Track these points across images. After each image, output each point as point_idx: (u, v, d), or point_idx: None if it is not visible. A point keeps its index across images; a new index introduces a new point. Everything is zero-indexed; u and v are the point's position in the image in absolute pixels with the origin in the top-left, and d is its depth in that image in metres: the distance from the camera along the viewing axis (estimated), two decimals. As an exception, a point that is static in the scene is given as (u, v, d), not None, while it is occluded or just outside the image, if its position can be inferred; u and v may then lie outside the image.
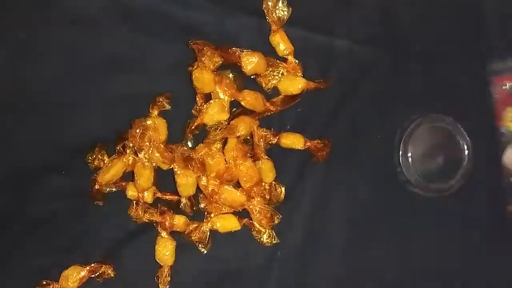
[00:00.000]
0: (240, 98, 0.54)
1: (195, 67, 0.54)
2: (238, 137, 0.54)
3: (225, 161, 0.54)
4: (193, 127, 0.54)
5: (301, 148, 0.55)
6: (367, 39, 0.59)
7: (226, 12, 0.56)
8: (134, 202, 0.53)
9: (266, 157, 0.55)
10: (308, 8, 0.58)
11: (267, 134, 0.55)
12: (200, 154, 0.53)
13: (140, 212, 0.53)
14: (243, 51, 0.54)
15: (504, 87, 0.59)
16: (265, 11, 0.55)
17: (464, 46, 0.61)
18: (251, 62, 0.54)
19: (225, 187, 0.53)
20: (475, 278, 0.58)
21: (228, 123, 0.54)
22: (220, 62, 0.53)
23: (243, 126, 0.54)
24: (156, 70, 0.55)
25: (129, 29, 0.54)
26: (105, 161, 0.53)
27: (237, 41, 0.55)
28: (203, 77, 0.53)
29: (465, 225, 0.60)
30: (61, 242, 0.53)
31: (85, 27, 0.53)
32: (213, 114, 0.54)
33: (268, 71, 0.55)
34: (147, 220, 0.53)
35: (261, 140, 0.54)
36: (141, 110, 0.54)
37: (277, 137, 0.55)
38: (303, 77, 0.57)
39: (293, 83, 0.56)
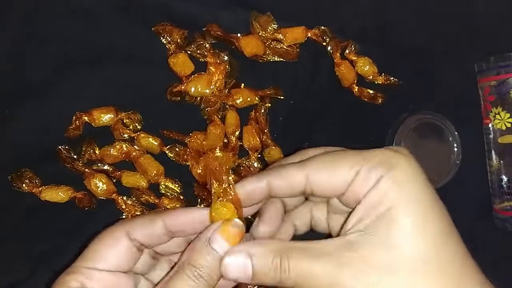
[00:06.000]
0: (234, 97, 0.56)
1: (169, 53, 0.55)
2: (236, 108, 0.56)
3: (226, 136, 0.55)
4: (173, 90, 0.54)
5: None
6: (359, 35, 0.59)
7: (221, 5, 0.56)
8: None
9: (274, 143, 0.57)
10: (301, 3, 0.59)
11: None
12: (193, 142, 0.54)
13: (145, 197, 0.54)
14: (240, 35, 0.56)
15: (488, 86, 0.60)
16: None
17: (453, 44, 0.62)
18: (249, 44, 0.55)
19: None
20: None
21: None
22: (185, 35, 0.54)
23: (241, 95, 0.56)
24: (154, 61, 0.55)
25: (128, 21, 0.55)
26: (97, 153, 0.53)
27: (232, 33, 0.56)
28: (178, 60, 0.54)
29: (453, 219, 0.60)
30: (60, 227, 0.53)
31: (82, 19, 0.54)
32: (198, 85, 0.54)
33: (267, 52, 0.57)
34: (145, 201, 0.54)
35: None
36: (139, 100, 0.55)
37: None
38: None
39: (297, 31, 0.57)
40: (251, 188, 0.35)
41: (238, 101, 0.56)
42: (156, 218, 0.36)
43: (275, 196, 0.36)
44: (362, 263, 0.30)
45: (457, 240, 0.32)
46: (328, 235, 0.37)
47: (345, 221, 0.33)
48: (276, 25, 0.56)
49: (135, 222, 0.36)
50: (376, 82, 0.60)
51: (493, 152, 0.61)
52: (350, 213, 0.33)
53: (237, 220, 0.35)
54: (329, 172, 0.33)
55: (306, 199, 0.40)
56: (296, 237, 0.41)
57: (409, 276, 0.30)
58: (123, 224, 0.36)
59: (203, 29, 0.55)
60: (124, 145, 0.54)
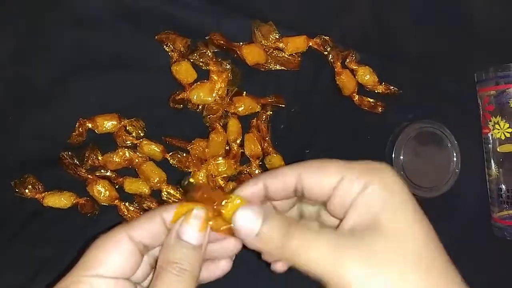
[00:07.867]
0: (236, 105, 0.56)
1: (172, 61, 0.55)
2: (238, 116, 0.56)
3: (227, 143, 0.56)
4: (176, 98, 0.55)
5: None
6: (360, 45, 0.60)
7: (224, 13, 0.57)
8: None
9: (275, 151, 0.57)
10: (303, 13, 0.59)
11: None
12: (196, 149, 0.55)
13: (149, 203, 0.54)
14: (242, 44, 0.56)
15: (487, 96, 0.61)
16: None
17: (453, 53, 0.63)
18: (251, 52, 0.56)
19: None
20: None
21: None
22: (188, 43, 0.55)
23: (243, 103, 0.56)
24: (157, 69, 0.55)
25: (132, 29, 0.55)
26: (100, 159, 0.54)
27: (235, 42, 0.56)
28: (181, 68, 0.55)
29: (452, 227, 0.61)
30: (62, 233, 0.53)
31: (87, 27, 0.54)
32: (201, 92, 0.55)
33: (269, 61, 0.57)
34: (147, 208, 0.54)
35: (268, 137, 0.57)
36: (142, 107, 0.55)
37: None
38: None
39: (298, 40, 0.58)
40: (249, 190, 0.37)
41: (240, 109, 0.56)
42: (155, 214, 0.36)
43: (271, 197, 0.37)
44: (366, 250, 0.32)
45: (439, 242, 0.34)
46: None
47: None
48: (278, 34, 0.57)
49: (134, 222, 0.36)
50: (376, 91, 0.60)
51: (492, 161, 0.61)
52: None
53: (197, 208, 0.36)
54: (318, 174, 0.35)
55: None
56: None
57: (403, 270, 0.32)
58: (124, 227, 0.35)
59: (206, 37, 0.56)
60: (127, 152, 0.54)
